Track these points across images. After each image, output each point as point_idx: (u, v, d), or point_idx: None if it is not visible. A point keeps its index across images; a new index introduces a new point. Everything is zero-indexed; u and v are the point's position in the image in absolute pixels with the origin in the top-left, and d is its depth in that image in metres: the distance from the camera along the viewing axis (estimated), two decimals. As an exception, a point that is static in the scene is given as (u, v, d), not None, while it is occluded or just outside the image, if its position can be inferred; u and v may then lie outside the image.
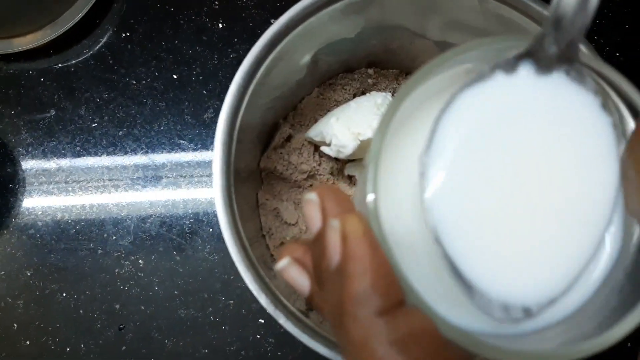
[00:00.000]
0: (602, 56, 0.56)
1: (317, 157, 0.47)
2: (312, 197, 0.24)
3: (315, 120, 0.48)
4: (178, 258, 0.53)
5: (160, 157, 0.55)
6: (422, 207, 0.23)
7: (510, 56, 0.24)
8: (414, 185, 0.24)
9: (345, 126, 0.42)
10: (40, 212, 0.54)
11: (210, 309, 0.52)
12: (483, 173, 0.24)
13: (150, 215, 0.54)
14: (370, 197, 0.23)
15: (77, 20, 0.56)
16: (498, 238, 0.24)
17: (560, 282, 0.25)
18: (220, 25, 0.57)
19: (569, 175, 0.25)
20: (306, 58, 0.43)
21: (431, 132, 0.24)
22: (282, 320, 0.35)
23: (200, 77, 0.56)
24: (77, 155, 0.55)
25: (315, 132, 0.45)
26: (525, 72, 0.24)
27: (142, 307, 0.52)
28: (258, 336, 0.51)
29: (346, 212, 0.23)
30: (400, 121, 0.25)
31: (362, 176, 0.24)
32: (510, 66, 0.24)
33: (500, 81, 0.24)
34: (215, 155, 0.36)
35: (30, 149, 0.55)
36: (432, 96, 0.26)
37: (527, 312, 0.24)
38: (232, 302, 0.52)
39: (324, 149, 0.44)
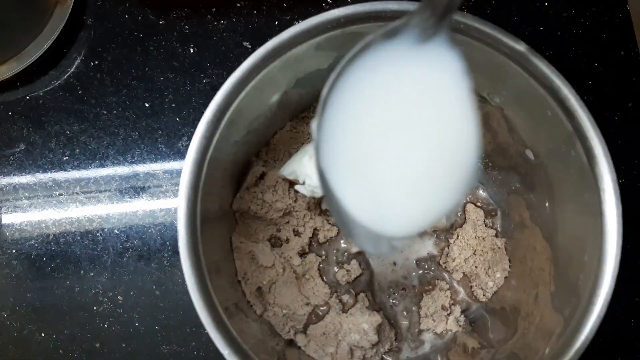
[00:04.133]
0: (581, 66, 0.56)
1: (292, 193, 0.46)
2: None
3: (290, 155, 0.46)
4: (158, 292, 0.52)
5: (135, 189, 0.53)
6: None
7: (391, 27, 0.28)
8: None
9: (318, 166, 0.41)
10: (14, 251, 0.53)
11: (194, 343, 0.51)
12: (360, 130, 0.29)
13: (128, 249, 0.52)
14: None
15: (43, 51, 0.54)
16: (373, 182, 0.29)
17: (423, 223, 0.30)
18: (192, 50, 0.56)
19: (433, 129, 0.29)
20: (279, 91, 0.42)
21: (320, 101, 0.28)
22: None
23: (173, 105, 0.55)
24: (50, 190, 0.53)
25: (289, 170, 0.44)
26: (405, 41, 0.28)
27: (123, 345, 0.51)
28: (243, 369, 0.50)
29: None
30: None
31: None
32: (390, 35, 0.28)
33: (382, 49, 0.28)
34: (179, 211, 0.35)
35: (1, 186, 0.54)
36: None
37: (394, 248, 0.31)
38: (215, 335, 0.51)
39: (298, 187, 0.43)
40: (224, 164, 0.41)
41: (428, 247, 0.50)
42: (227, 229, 0.45)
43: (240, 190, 0.45)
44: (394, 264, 0.49)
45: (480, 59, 0.38)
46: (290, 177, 0.44)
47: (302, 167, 0.42)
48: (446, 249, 0.49)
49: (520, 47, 0.35)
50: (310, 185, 0.42)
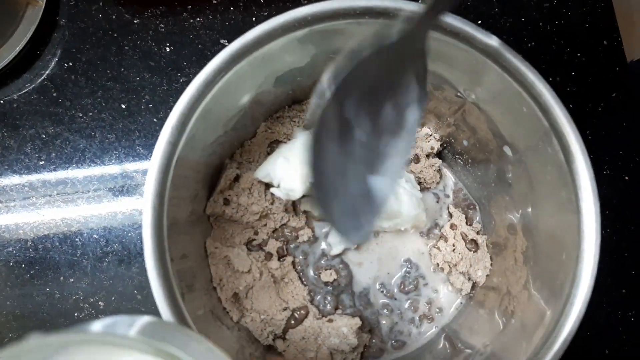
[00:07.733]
0: (564, 57, 0.55)
1: (268, 195, 0.45)
2: None
3: (266, 156, 0.45)
4: (139, 297, 0.51)
5: (113, 192, 0.53)
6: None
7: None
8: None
9: (293, 167, 0.40)
10: (-8, 258, 0.52)
11: (176, 347, 0.50)
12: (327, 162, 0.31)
13: (108, 254, 0.52)
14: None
15: (15, 54, 0.53)
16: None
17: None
18: (168, 49, 0.55)
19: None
20: (251, 91, 0.41)
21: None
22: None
23: (150, 105, 0.54)
24: (26, 195, 0.52)
25: (263, 172, 0.43)
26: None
27: (105, 351, 0.50)
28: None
29: None
30: None
31: None
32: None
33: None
34: (144, 219, 0.34)
35: (-24, 193, 0.53)
36: None
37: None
38: (198, 338, 0.50)
39: (273, 190, 0.42)
40: (196, 167, 0.40)
41: (411, 246, 0.49)
42: (201, 234, 0.44)
43: (214, 193, 0.44)
44: (375, 265, 0.49)
45: (455, 55, 0.37)
46: (265, 180, 0.43)
47: (276, 170, 0.41)
48: (428, 248, 0.49)
49: (493, 42, 0.34)
50: (285, 187, 0.41)
